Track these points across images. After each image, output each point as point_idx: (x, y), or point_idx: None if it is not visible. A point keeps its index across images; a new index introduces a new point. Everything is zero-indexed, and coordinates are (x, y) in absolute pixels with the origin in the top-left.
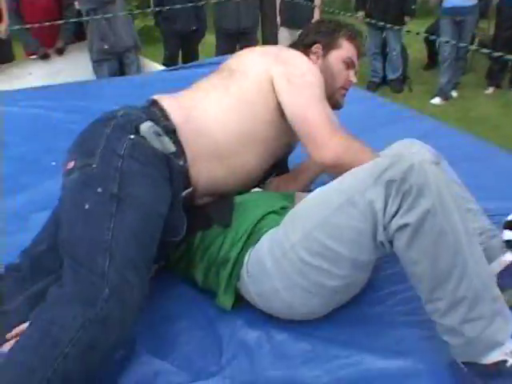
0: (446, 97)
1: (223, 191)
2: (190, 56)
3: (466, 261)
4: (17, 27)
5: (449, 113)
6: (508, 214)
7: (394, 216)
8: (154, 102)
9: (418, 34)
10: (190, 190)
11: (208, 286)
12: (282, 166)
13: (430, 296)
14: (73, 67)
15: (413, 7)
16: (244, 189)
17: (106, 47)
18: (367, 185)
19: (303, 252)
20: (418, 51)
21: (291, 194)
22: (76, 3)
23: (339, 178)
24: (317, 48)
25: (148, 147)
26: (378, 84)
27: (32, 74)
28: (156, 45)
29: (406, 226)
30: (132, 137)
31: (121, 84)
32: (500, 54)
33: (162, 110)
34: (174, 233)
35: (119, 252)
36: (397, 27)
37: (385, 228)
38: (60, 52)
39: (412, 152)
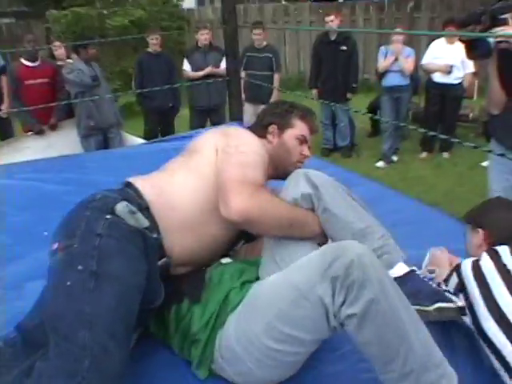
0: (388, 161)
1: (196, 260)
2: (168, 129)
3: (409, 337)
4: (15, 110)
5: (391, 174)
6: None
7: (341, 306)
8: (129, 184)
9: (356, 111)
10: (165, 259)
11: (185, 356)
12: (249, 233)
13: (382, 369)
14: (64, 141)
15: (354, 86)
16: (215, 257)
17: (92, 124)
18: (315, 281)
19: (268, 341)
20: (363, 122)
21: (257, 260)
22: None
23: (288, 271)
24: (273, 128)
25: (123, 225)
26: (330, 150)
27: (29, 148)
28: (136, 118)
29: (353, 315)
30: (108, 217)
31: (106, 156)
32: (423, 129)
33: (135, 189)
34: (152, 300)
35: (99, 324)
36: (343, 103)
37: (335, 316)
38: (53, 128)
39: (351, 244)
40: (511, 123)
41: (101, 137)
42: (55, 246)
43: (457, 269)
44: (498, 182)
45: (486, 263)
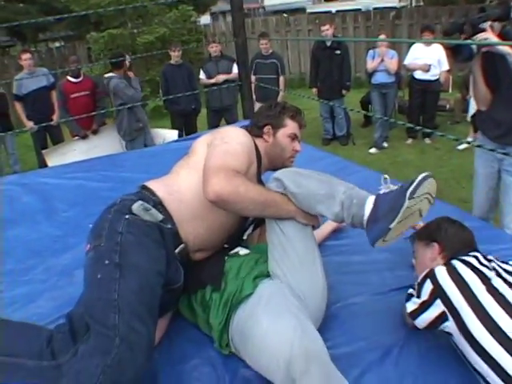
0: (379, 147)
1: (210, 245)
2: (191, 128)
3: None
4: (63, 120)
5: (383, 159)
6: None
7: None
8: (144, 187)
9: (352, 110)
10: (182, 246)
11: (210, 335)
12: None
13: None
14: (105, 142)
15: (348, 83)
16: (228, 240)
17: (141, 125)
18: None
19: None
20: (356, 114)
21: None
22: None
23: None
24: (267, 129)
25: (140, 221)
26: (330, 140)
27: (76, 150)
28: (164, 119)
29: None
30: (127, 216)
31: (139, 155)
32: (402, 122)
33: (149, 190)
34: (173, 282)
35: (126, 308)
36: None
37: None
38: (95, 132)
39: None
40: (494, 118)
41: (143, 136)
42: (88, 247)
43: (430, 275)
44: (484, 168)
45: (459, 266)
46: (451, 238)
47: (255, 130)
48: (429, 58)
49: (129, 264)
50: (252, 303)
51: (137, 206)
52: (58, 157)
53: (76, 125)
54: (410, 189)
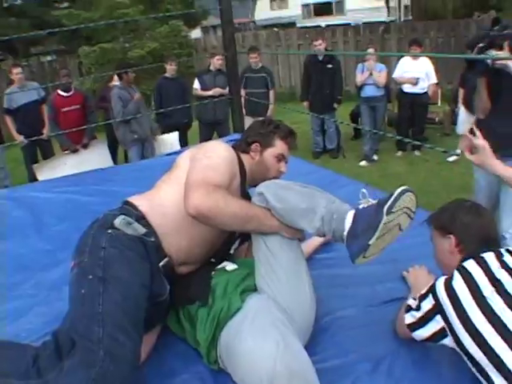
0: (369, 160)
1: (193, 258)
2: (183, 141)
3: None
4: (53, 134)
5: (373, 171)
6: None
7: None
8: (127, 202)
9: (342, 122)
10: (166, 259)
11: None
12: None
13: None
14: (95, 156)
15: (339, 97)
16: (211, 254)
17: (136, 137)
18: None
19: None
20: (346, 127)
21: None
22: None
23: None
24: (255, 146)
25: (123, 235)
26: (320, 153)
27: (66, 164)
28: None
29: None
30: (110, 231)
31: (128, 169)
32: (391, 135)
33: (132, 205)
34: (158, 295)
35: (109, 320)
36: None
37: None
38: (85, 147)
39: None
40: (491, 126)
41: (141, 146)
42: (72, 263)
43: (432, 290)
44: (486, 175)
45: (458, 283)
46: (467, 230)
47: (243, 146)
48: (417, 72)
49: (112, 277)
50: (238, 320)
51: (119, 221)
52: (48, 171)
53: (66, 139)
54: (388, 203)
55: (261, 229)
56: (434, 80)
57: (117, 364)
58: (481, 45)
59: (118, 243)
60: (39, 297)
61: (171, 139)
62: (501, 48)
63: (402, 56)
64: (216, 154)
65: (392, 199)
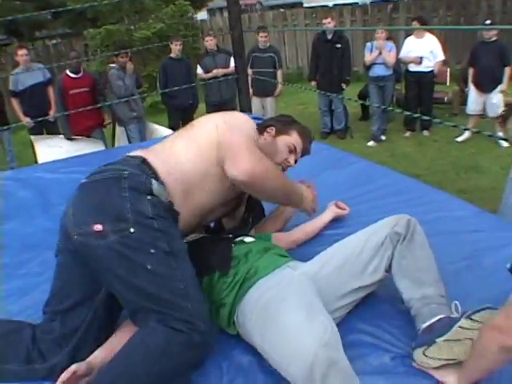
0: (377, 140)
1: (194, 225)
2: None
3: None
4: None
5: (380, 152)
6: None
7: None
8: (144, 160)
9: (350, 99)
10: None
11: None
12: (258, 212)
13: None
14: (90, 147)
15: (347, 78)
16: (208, 221)
17: (135, 114)
18: None
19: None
20: (354, 108)
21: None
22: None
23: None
24: (270, 129)
25: (161, 203)
26: (328, 133)
27: (62, 148)
28: (162, 115)
29: None
30: (149, 198)
31: (129, 150)
32: (405, 112)
33: (150, 167)
34: None
35: (192, 295)
36: (338, 93)
37: None
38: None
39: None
40: None
41: (138, 125)
42: (99, 227)
43: None
44: None
45: None
46: None
47: (259, 128)
48: (420, 51)
49: (178, 250)
50: (277, 280)
51: (156, 187)
52: (45, 147)
53: (67, 125)
54: (470, 312)
55: (291, 205)
56: (441, 57)
57: (201, 335)
58: None
59: (162, 212)
60: (45, 275)
61: (163, 131)
62: None
63: (412, 32)
64: (245, 124)
65: (476, 309)
